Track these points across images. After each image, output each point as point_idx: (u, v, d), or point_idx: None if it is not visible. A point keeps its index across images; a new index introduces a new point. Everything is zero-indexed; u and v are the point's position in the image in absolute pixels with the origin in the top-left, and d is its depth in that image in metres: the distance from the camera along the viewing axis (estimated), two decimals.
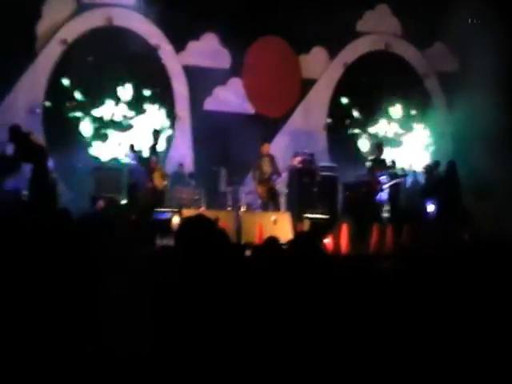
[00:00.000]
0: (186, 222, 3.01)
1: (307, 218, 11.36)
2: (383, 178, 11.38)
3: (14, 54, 11.95)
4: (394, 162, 12.10)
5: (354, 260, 8.33)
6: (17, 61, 12.21)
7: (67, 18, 13.07)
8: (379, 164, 11.62)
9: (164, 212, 10.98)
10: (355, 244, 10.02)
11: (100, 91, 12.40)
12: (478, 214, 10.75)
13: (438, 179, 11.66)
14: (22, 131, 10.08)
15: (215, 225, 3.06)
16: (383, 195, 11.35)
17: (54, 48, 12.89)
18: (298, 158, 11.75)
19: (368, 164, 11.67)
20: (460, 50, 13.83)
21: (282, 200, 11.58)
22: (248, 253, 5.37)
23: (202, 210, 11.17)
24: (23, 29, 12.29)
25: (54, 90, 12.56)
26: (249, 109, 13.79)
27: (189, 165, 12.84)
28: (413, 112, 13.75)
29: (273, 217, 10.57)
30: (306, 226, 11.18)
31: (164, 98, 13.15)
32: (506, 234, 7.43)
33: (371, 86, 13.46)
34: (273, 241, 4.64)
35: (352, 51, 14.50)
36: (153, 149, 10.95)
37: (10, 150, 9.97)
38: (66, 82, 12.41)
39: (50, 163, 10.37)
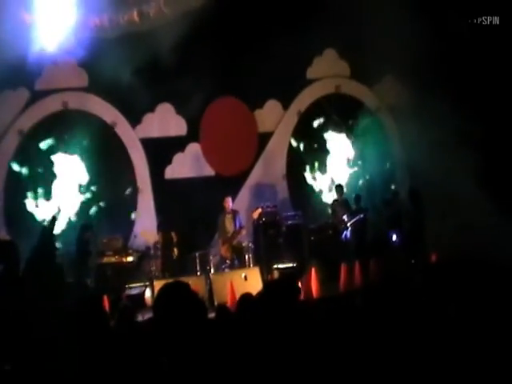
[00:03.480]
0: (163, 290, 2.91)
1: (276, 268, 11.32)
2: (346, 217, 11.44)
3: None
4: (358, 197, 12.11)
5: (326, 302, 8.27)
6: None
7: (22, 109, 13.33)
8: (341, 204, 11.69)
9: (136, 287, 10.99)
10: (326, 286, 10.00)
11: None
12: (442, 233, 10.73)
13: (400, 209, 11.62)
14: None
15: (191, 290, 3.00)
16: (348, 233, 11.38)
17: (10, 139, 13.12)
18: (258, 211, 11.76)
19: (331, 205, 11.75)
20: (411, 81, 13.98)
21: (249, 255, 11.51)
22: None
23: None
24: None
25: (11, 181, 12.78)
26: (209, 171, 13.89)
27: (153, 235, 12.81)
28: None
29: (243, 274, 10.53)
30: (275, 277, 11.14)
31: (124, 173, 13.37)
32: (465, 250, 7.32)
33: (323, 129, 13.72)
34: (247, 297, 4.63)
35: (304, 99, 14.70)
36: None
37: None
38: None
39: None
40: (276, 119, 14.52)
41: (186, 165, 13.69)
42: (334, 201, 11.79)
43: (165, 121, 13.79)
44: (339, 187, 12.03)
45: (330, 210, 11.87)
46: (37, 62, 12.69)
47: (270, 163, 14.20)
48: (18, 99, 13.35)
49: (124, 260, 11.53)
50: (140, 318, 8.88)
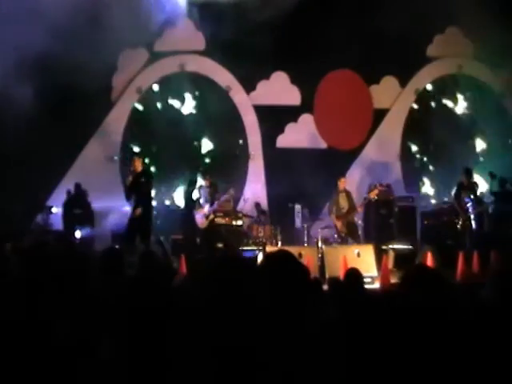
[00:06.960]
0: (270, 257, 2.86)
1: (391, 249, 11.13)
2: (469, 205, 10.95)
3: (92, 106, 12.49)
4: (476, 185, 11.55)
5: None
6: (94, 112, 12.78)
7: (141, 68, 13.58)
8: (467, 189, 11.15)
9: (249, 250, 11.12)
10: (441, 273, 9.67)
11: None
12: None
13: None
14: None
15: (299, 260, 2.93)
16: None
17: (129, 97, 13.43)
18: (375, 191, 11.46)
19: (456, 189, 11.26)
20: None
21: (359, 233, 11.36)
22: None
23: (281, 246, 11.14)
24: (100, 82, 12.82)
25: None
26: (321, 143, 13.78)
27: (263, 202, 12.89)
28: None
29: (356, 250, 10.41)
30: (390, 257, 10.94)
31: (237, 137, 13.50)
32: None
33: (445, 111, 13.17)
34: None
35: (423, 77, 14.25)
36: None
37: None
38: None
39: None
40: (392, 96, 14.16)
41: (299, 135, 13.61)
42: (460, 184, 11.19)
43: (279, 89, 13.70)
44: (468, 171, 11.39)
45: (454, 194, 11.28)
46: (157, 24, 12.80)
47: (384, 141, 13.89)
48: (138, 59, 13.57)
49: (234, 223, 11.66)
50: None
